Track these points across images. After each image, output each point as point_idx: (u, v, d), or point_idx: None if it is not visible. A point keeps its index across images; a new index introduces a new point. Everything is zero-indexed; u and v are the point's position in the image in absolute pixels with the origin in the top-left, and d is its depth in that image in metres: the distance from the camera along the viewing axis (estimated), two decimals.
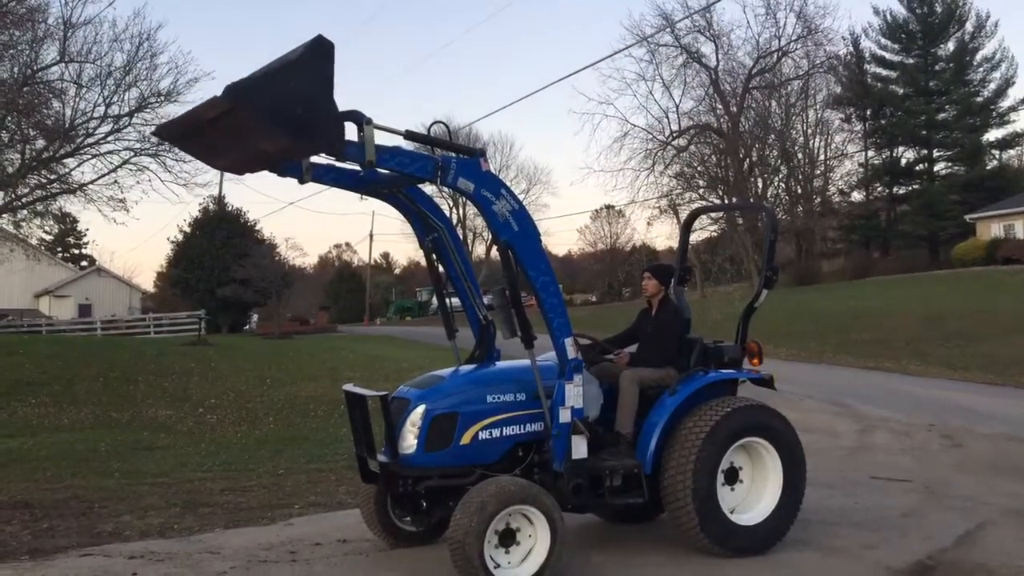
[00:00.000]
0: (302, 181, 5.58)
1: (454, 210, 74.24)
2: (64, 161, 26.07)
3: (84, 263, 70.50)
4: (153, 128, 25.61)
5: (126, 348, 24.88)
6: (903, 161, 58.22)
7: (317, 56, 4.91)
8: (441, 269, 6.74)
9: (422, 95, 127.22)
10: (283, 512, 8.09)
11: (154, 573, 6.23)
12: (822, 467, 9.30)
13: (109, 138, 26.11)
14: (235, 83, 4.84)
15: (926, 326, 26.47)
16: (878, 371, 20.56)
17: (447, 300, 6.92)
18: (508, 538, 5.73)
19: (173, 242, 53.66)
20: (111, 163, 26.39)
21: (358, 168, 5.59)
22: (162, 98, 25.78)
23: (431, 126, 6.09)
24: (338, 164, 5.59)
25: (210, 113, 4.93)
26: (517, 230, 5.82)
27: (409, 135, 5.60)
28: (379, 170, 5.58)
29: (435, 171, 5.53)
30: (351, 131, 5.22)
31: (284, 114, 4.77)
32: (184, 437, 13.10)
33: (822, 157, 56.14)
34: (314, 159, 5.57)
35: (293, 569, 6.30)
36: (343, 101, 5.05)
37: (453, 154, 5.68)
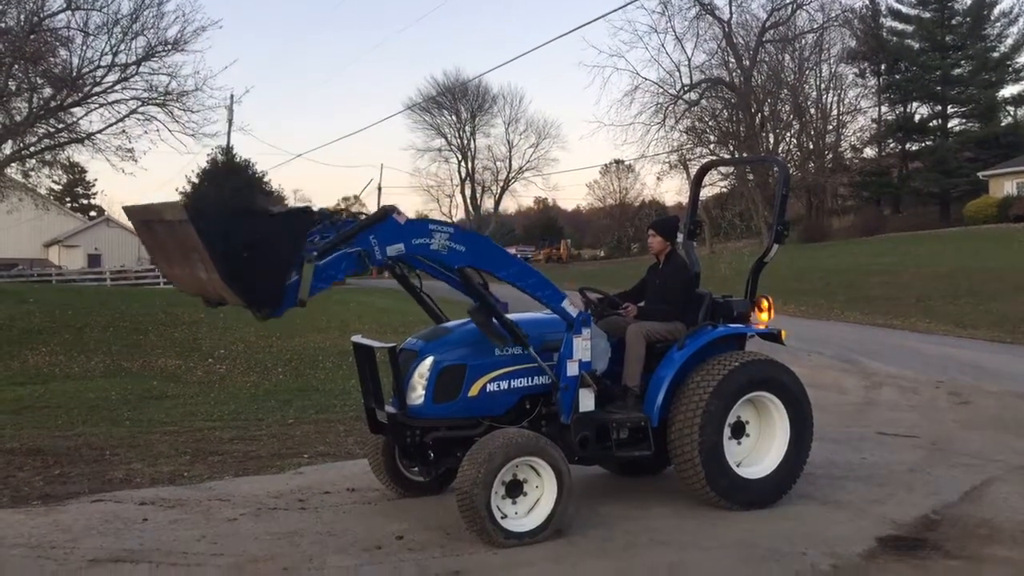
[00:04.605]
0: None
1: (462, 164, 74.01)
2: (72, 110, 25.95)
3: (93, 213, 70.53)
4: (160, 77, 25.49)
5: (136, 298, 24.97)
6: (917, 117, 57.61)
7: (294, 222, 5.04)
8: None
9: (430, 46, 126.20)
10: (292, 461, 8.16)
11: (165, 519, 6.30)
12: (829, 422, 9.33)
13: (116, 87, 25.94)
14: (203, 201, 4.87)
15: (936, 283, 26.40)
16: (887, 328, 20.56)
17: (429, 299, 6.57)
18: (515, 489, 5.77)
19: (182, 193, 53.72)
20: (119, 112, 26.26)
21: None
22: (169, 47, 25.53)
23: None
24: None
25: (167, 215, 5.06)
26: (465, 250, 5.74)
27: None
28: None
29: (363, 260, 5.42)
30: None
31: (233, 254, 4.83)
32: (194, 387, 13.17)
33: (835, 112, 55.74)
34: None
35: (302, 516, 6.36)
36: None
37: (369, 234, 5.41)
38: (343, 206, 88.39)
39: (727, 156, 49.90)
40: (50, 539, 5.82)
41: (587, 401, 6.21)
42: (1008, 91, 56.02)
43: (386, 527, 6.06)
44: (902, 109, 57.94)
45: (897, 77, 56.71)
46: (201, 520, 6.28)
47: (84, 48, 25.10)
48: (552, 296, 6.13)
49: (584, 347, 6.18)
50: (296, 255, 5.05)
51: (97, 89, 25.66)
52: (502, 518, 5.66)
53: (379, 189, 68.75)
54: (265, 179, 53.21)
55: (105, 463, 8.08)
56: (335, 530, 6.05)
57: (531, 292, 6.09)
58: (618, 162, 73.41)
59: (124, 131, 26.39)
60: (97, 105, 26.14)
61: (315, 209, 5.34)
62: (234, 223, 4.89)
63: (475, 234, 5.91)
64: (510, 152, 74.31)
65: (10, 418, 10.45)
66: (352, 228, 5.40)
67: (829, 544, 5.71)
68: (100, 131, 26.29)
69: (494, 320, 6.03)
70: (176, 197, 57.64)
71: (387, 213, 5.47)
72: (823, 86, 54.79)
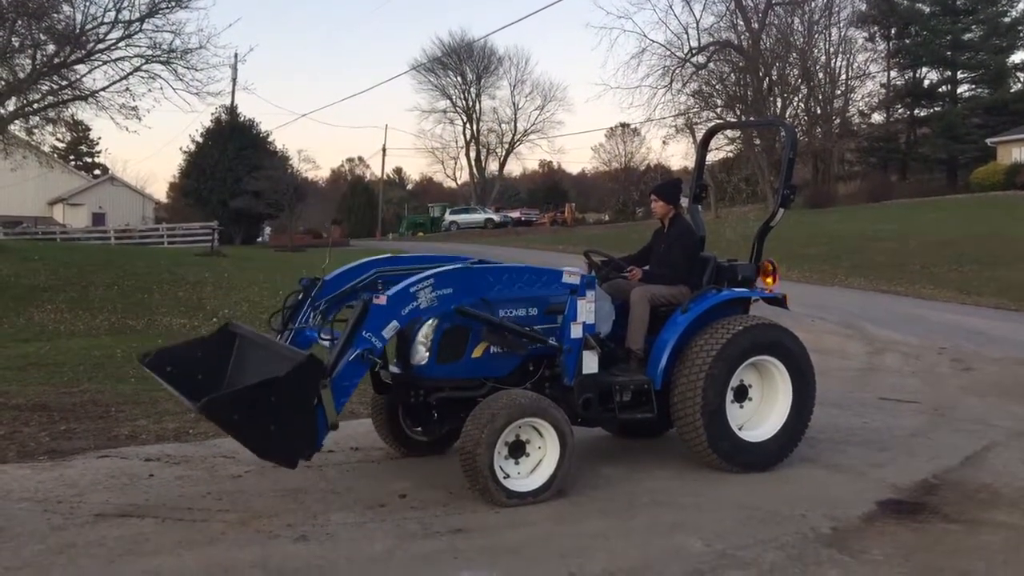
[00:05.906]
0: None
1: (467, 126, 73.63)
2: (75, 67, 25.73)
3: (97, 172, 70.37)
4: (163, 35, 25.24)
5: (140, 257, 25.00)
6: (926, 82, 57.06)
7: (303, 377, 5.09)
8: None
9: (436, 5, 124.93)
10: None
11: (170, 475, 6.35)
12: (831, 387, 9.35)
13: (120, 44, 25.67)
14: (214, 398, 4.98)
15: (941, 250, 26.34)
16: (891, 294, 20.55)
17: None
18: (518, 450, 5.81)
19: (186, 152, 53.57)
20: (122, 70, 26.01)
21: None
22: (173, 3, 25.24)
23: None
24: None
25: (185, 403, 5.40)
26: (452, 291, 5.77)
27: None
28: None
29: (366, 359, 5.47)
30: None
31: (256, 428, 5.01)
32: None
33: (843, 77, 54.99)
34: None
35: (307, 475, 6.40)
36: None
37: (361, 332, 5.46)
38: (347, 167, 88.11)
39: (734, 120, 49.47)
40: (56, 494, 5.87)
41: (591, 363, 6.23)
42: (1018, 57, 55.88)
43: (389, 486, 6.11)
44: (911, 74, 57.36)
45: (907, 41, 56.08)
46: (206, 476, 6.34)
47: (87, 4, 24.83)
48: (549, 279, 6.18)
49: (588, 309, 6.19)
50: (314, 402, 5.18)
51: (100, 46, 25.39)
52: (504, 478, 5.70)
53: (383, 151, 68.53)
54: (269, 139, 53.02)
55: (111, 420, 8.13)
56: (339, 488, 6.10)
57: (530, 285, 6.15)
58: (624, 125, 73.03)
59: (128, 89, 26.16)
60: (101, 62, 25.91)
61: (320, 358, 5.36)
62: (248, 402, 4.97)
63: (453, 272, 5.90)
64: (515, 114, 74.08)
65: (16, 374, 10.50)
66: (344, 337, 5.46)
67: (829, 507, 5.75)
68: (104, 89, 26.06)
69: (507, 334, 6.03)
70: (180, 157, 57.56)
71: (366, 305, 5.50)
72: (832, 50, 54.02)
